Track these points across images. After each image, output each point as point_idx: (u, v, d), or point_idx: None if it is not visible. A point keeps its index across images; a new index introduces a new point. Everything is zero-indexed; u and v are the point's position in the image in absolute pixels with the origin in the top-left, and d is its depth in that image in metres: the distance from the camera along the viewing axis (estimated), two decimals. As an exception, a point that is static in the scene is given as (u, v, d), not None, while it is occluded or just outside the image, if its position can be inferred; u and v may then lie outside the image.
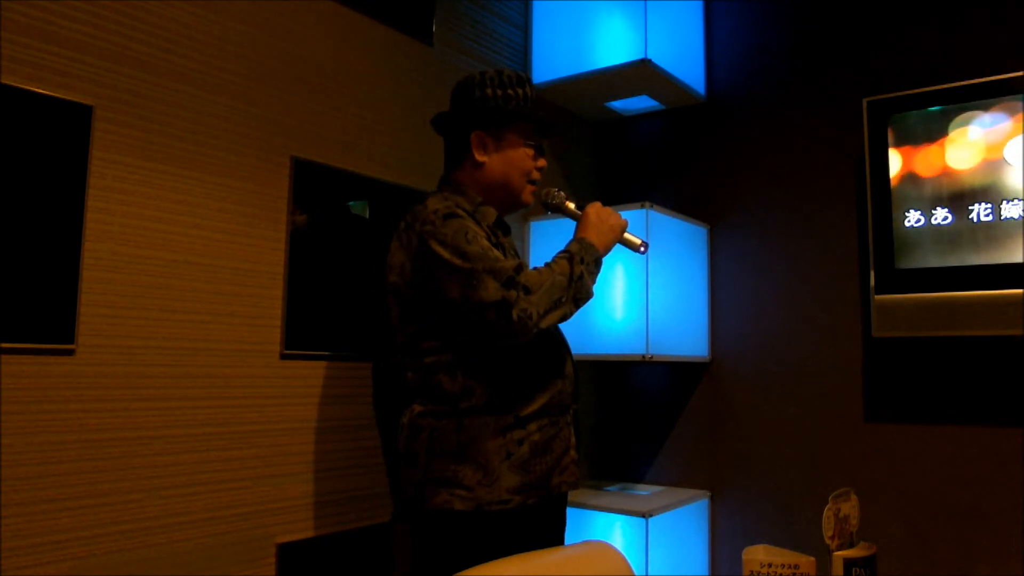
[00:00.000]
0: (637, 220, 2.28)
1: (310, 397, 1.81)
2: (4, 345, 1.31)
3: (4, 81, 1.33)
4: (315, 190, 1.85)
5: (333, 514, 1.85)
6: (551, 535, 1.67)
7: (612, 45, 2.49)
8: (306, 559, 1.77)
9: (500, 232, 1.66)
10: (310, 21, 1.87)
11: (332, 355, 1.86)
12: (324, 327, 1.85)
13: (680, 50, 2.59)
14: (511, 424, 1.52)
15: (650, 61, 2.38)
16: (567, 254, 1.55)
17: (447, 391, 1.52)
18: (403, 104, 2.11)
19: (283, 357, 1.76)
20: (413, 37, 2.15)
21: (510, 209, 1.71)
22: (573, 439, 1.65)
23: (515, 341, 1.47)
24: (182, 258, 1.59)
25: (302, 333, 1.79)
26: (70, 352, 1.40)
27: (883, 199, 2.15)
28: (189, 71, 1.62)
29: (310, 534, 1.79)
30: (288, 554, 1.73)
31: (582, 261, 1.53)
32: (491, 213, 1.65)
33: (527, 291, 1.43)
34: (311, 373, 1.82)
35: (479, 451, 1.49)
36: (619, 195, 2.87)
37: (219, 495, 1.62)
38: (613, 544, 1.32)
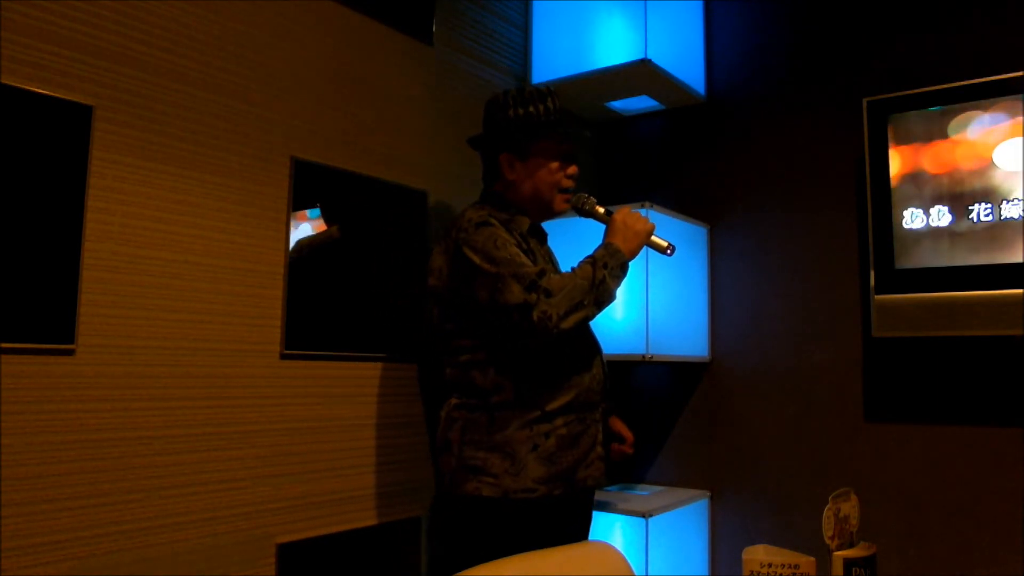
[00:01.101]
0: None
1: (310, 397, 1.81)
2: (4, 345, 1.31)
3: (4, 81, 1.33)
4: (315, 190, 1.85)
5: (333, 514, 1.84)
6: (576, 528, 1.76)
7: (612, 45, 2.48)
8: (306, 559, 1.77)
9: (534, 240, 1.77)
10: (310, 21, 1.87)
11: (332, 355, 1.86)
12: (324, 327, 1.85)
13: (680, 50, 2.59)
14: (537, 418, 1.62)
15: (650, 61, 2.38)
16: (591, 259, 1.63)
17: (479, 386, 1.63)
18: (403, 104, 2.10)
19: (283, 357, 1.76)
20: (413, 37, 2.15)
21: (545, 217, 1.82)
22: (600, 436, 1.73)
23: (538, 340, 1.55)
24: (182, 258, 1.58)
25: (302, 333, 1.79)
26: (70, 352, 1.40)
27: (883, 199, 2.15)
28: (189, 71, 1.62)
29: (310, 534, 1.79)
30: (288, 554, 1.73)
31: (605, 266, 1.61)
32: (524, 222, 1.77)
33: (548, 294, 1.52)
34: (311, 373, 1.82)
35: (507, 441, 1.60)
36: (619, 195, 2.87)
37: (219, 495, 1.62)
38: (613, 544, 1.32)
